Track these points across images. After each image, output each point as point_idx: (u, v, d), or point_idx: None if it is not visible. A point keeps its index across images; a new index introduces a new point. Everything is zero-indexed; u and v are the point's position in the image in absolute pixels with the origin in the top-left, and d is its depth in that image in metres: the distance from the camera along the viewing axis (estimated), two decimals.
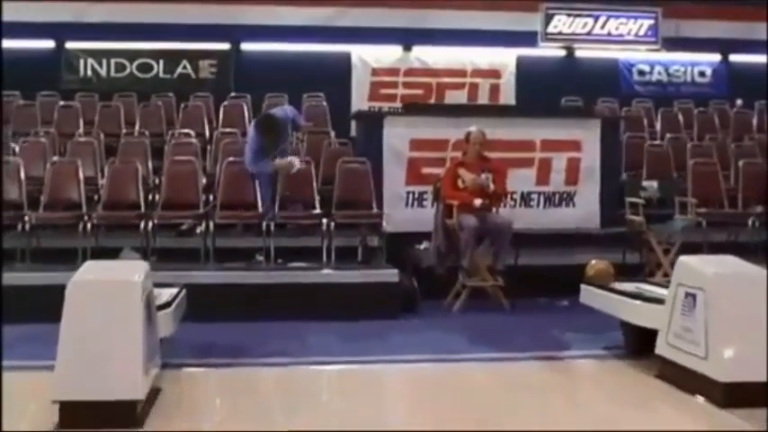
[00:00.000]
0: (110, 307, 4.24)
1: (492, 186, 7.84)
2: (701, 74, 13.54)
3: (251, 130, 8.50)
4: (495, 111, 11.16)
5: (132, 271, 4.51)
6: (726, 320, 4.69)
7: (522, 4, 12.89)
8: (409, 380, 5.72)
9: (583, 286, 6.44)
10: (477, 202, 7.72)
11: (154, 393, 4.65)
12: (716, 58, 13.51)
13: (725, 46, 13.41)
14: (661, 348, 5.22)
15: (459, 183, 7.85)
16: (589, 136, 9.39)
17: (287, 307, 7.02)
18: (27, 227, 7.55)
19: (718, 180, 8.82)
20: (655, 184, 8.33)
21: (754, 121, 12.20)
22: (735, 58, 13.48)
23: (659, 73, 13.45)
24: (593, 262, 6.57)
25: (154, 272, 4.99)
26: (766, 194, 8.78)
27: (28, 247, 7.60)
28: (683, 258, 5.18)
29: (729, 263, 5.10)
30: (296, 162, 8.18)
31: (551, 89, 12.38)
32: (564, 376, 5.74)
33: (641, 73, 13.42)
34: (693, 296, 4.91)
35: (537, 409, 4.86)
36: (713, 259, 5.23)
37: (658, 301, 5.39)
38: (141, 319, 4.27)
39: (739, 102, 12.83)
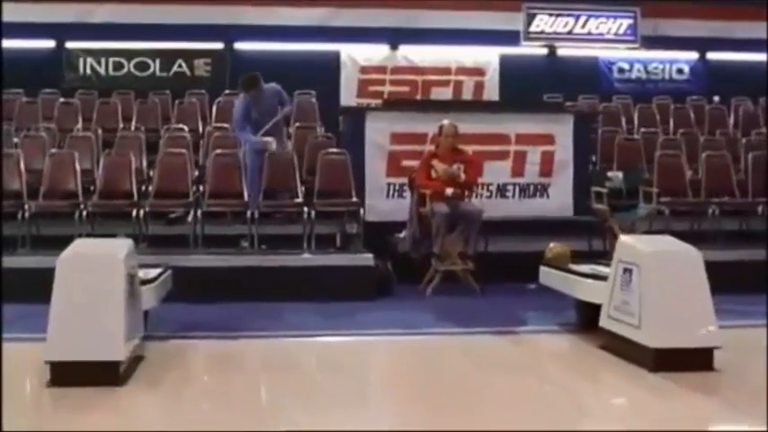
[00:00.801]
0: (95, 279, 4.73)
1: (463, 176, 8.31)
2: (680, 71, 14.00)
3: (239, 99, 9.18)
4: (472, 106, 11.66)
5: (116, 248, 5.01)
6: (657, 293, 5.16)
7: (505, 4, 13.36)
8: (379, 351, 6.24)
9: (542, 268, 6.93)
10: (449, 191, 8.18)
11: (138, 359, 5.15)
12: (694, 55, 13.97)
13: (702, 44, 13.85)
14: (604, 321, 5.69)
15: (433, 173, 8.31)
16: (562, 130, 9.79)
17: (270, 289, 7.47)
18: (27, 215, 8.05)
19: (683, 171, 9.26)
20: (620, 174, 8.75)
21: (731, 118, 12.66)
22: (712, 55, 13.90)
23: (638, 70, 13.92)
24: (552, 245, 7.04)
25: (146, 256, 5.49)
26: (730, 185, 9.26)
27: (28, 233, 8.07)
28: (622, 237, 5.66)
29: (663, 242, 5.58)
30: (273, 145, 8.81)
31: (534, 86, 12.82)
32: (518, 348, 6.23)
33: (621, 70, 13.89)
34: (630, 271, 5.38)
35: (491, 374, 5.43)
36: (649, 238, 5.73)
37: (603, 278, 5.85)
38: (123, 290, 4.75)
39: (716, 98, 13.28)
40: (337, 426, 4.23)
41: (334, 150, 9.20)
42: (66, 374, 4.58)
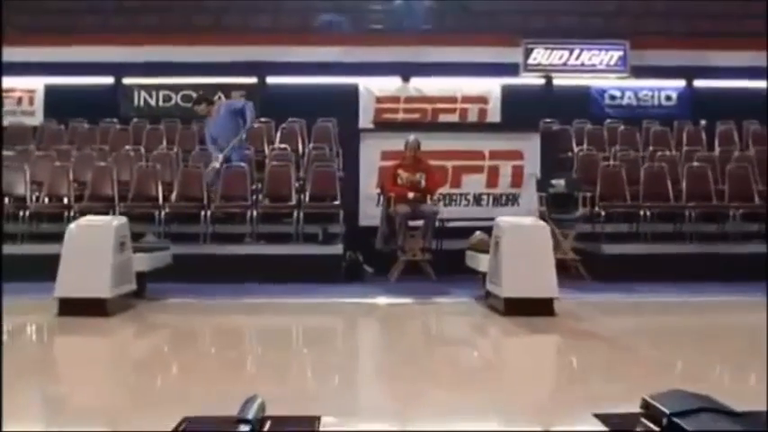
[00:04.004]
0: (92, 239, 6.64)
1: (423, 183, 10.00)
2: (668, 98, 15.24)
3: None
4: (452, 127, 13.32)
5: (110, 220, 6.91)
6: (510, 256, 6.77)
7: (505, 39, 14.84)
8: (329, 310, 7.90)
9: (467, 252, 8.57)
10: (410, 194, 9.88)
11: (127, 305, 6.99)
12: (681, 83, 15.20)
13: (689, 73, 15.10)
14: (488, 285, 7.31)
15: (399, 180, 10.02)
16: (530, 147, 11.39)
17: (256, 273, 9.32)
18: (72, 215, 10.01)
19: (623, 180, 10.70)
20: (562, 181, 10.20)
21: (716, 140, 13.92)
22: (698, 83, 15.16)
23: (629, 97, 15.18)
24: (477, 233, 8.66)
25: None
26: (666, 192, 10.67)
27: None
28: (497, 218, 7.28)
29: (522, 219, 7.21)
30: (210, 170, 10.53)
31: (532, 113, 14.13)
32: (423, 308, 8.01)
33: (612, 98, 15.19)
34: (498, 243, 7.00)
35: (402, 322, 7.15)
36: (514, 218, 7.34)
37: None
38: (112, 248, 6.63)
39: (703, 122, 14.50)
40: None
41: (323, 163, 11.00)
42: (69, 307, 6.46)
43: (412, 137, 10.22)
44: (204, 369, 4.93)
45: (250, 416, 3.11)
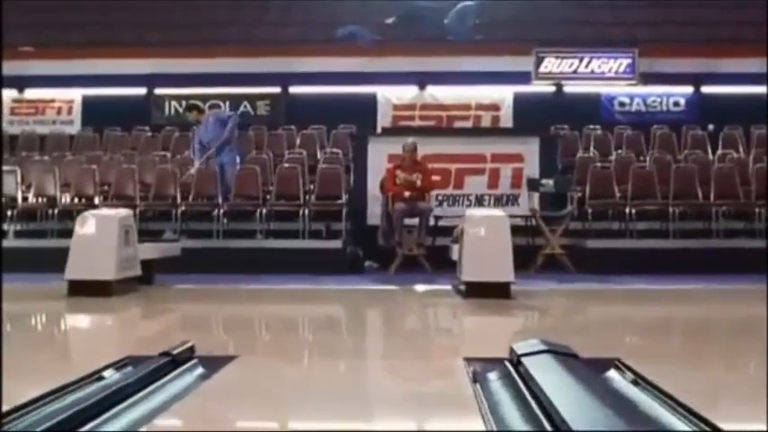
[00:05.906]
0: (99, 228, 7.47)
1: (419, 183, 10.70)
2: (676, 103, 15.71)
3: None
4: (455, 131, 13.99)
5: (115, 212, 7.75)
6: (471, 243, 7.42)
7: (517, 48, 15.48)
8: (325, 296, 8.56)
9: (450, 245, 9.23)
10: (406, 193, 10.59)
11: (132, 288, 7.81)
12: (689, 89, 15.66)
13: (696, 79, 15.55)
14: (458, 272, 7.96)
15: (397, 180, 10.74)
16: (529, 150, 12.03)
17: (263, 265, 10.09)
18: None
19: (612, 181, 11.28)
20: (551, 181, 10.80)
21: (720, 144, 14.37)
22: (706, 89, 15.59)
23: (638, 104, 15.69)
24: (459, 227, 9.30)
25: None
26: (653, 191, 11.21)
27: None
28: (466, 210, 7.95)
29: (485, 211, 7.87)
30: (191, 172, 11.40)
31: (543, 119, 14.77)
32: (403, 294, 8.68)
33: (622, 104, 15.71)
34: (462, 231, 7.67)
35: (385, 303, 7.90)
36: (479, 210, 8.00)
37: None
38: (116, 236, 7.44)
39: (711, 126, 14.94)
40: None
41: (329, 165, 11.78)
42: (77, 288, 7.25)
43: (410, 140, 10.93)
44: (193, 335, 5.69)
45: (174, 352, 3.85)
